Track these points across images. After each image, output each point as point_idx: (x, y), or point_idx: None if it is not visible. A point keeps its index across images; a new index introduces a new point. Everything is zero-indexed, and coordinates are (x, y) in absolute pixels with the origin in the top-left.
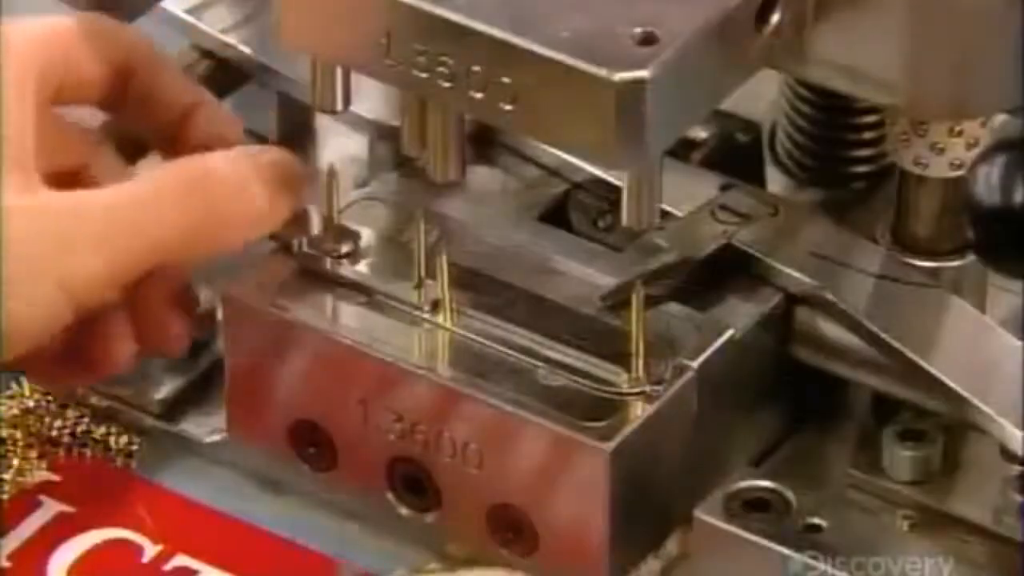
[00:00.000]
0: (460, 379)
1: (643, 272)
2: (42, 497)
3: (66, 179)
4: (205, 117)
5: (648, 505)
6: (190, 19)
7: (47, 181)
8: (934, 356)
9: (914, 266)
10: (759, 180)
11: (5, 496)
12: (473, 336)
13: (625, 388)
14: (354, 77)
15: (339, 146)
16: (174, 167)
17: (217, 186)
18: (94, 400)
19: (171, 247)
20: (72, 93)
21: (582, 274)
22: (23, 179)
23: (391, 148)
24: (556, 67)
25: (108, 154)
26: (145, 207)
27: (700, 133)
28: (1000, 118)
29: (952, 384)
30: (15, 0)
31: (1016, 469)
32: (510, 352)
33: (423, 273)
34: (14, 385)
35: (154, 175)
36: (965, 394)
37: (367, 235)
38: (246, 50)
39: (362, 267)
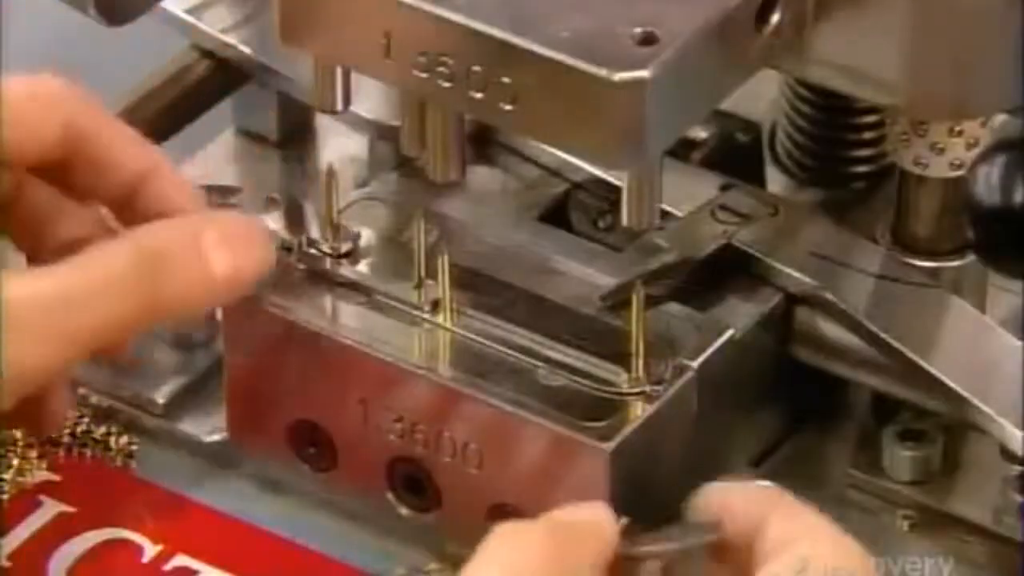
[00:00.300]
0: (460, 379)
1: (643, 272)
2: (42, 497)
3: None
4: (159, 185)
5: (648, 505)
6: (190, 19)
7: (50, 254)
8: (934, 356)
9: (914, 266)
10: (759, 180)
11: (5, 496)
12: (473, 336)
13: (625, 388)
14: (354, 77)
15: (339, 146)
16: (124, 247)
17: (170, 263)
18: (94, 400)
19: (124, 326)
20: (22, 158)
21: (582, 274)
22: None
23: (391, 148)
24: (556, 67)
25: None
26: (96, 294)
27: (700, 133)
28: (1000, 118)
29: (952, 384)
30: (16, 0)
31: (1016, 469)
32: (510, 352)
33: (423, 273)
34: None
35: (104, 257)
36: (965, 394)
37: (367, 235)
38: (246, 50)
39: (362, 267)
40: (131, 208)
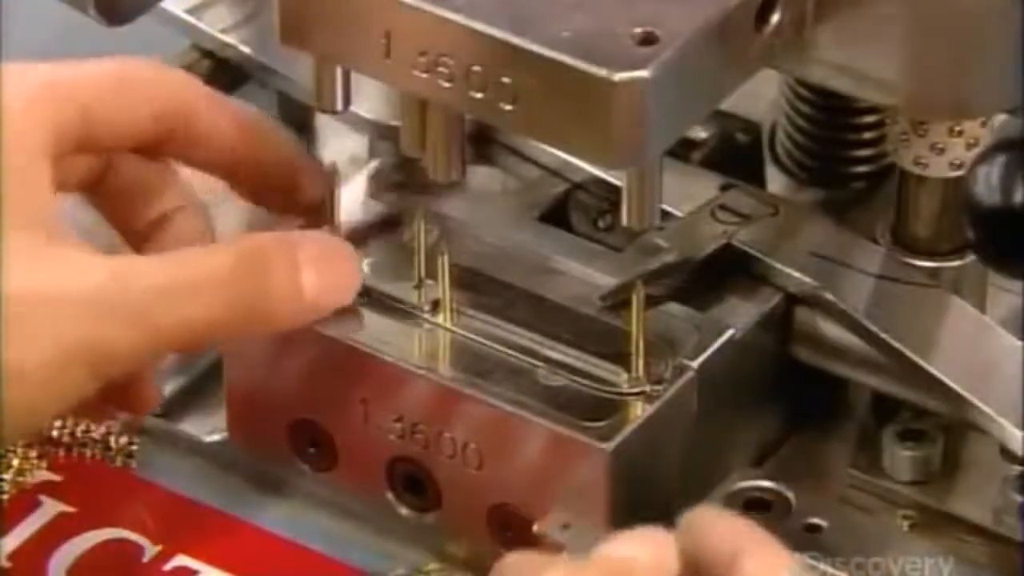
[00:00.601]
0: (460, 379)
1: (643, 272)
2: (42, 497)
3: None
4: (264, 156)
5: (648, 505)
6: (190, 19)
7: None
8: (934, 356)
9: (914, 266)
10: (759, 180)
11: (5, 496)
12: (473, 336)
13: (625, 388)
14: (354, 77)
15: (339, 146)
16: (227, 250)
17: (269, 273)
18: None
19: (214, 328)
20: (102, 142)
21: (582, 274)
22: (43, 242)
23: (391, 148)
24: (556, 67)
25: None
26: (197, 290)
27: (700, 133)
28: (1000, 118)
29: (952, 384)
30: (16, 0)
31: (1016, 469)
32: (510, 352)
33: (423, 273)
34: None
35: (209, 256)
36: (965, 394)
37: (367, 235)
38: (246, 50)
39: (362, 267)
40: (242, 178)
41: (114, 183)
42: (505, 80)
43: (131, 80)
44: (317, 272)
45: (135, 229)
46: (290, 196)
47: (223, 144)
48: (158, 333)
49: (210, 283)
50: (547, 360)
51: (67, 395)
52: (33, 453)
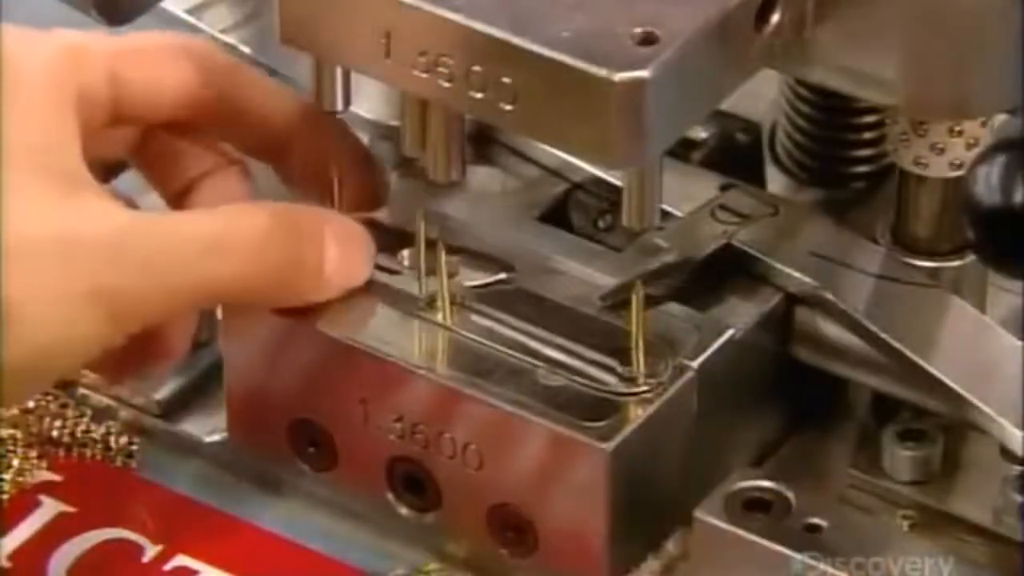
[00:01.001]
0: (460, 379)
1: (643, 272)
2: (42, 497)
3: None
4: (311, 137)
5: (648, 505)
6: (190, 19)
7: (180, 190)
8: (934, 356)
9: (914, 266)
10: (759, 180)
11: (5, 496)
12: (473, 336)
13: (625, 388)
14: (354, 77)
15: None
16: (264, 211)
17: (304, 247)
18: (94, 400)
19: (235, 293)
20: (134, 112)
21: (582, 274)
22: (65, 189)
23: (391, 148)
24: (556, 67)
25: (232, 173)
26: (226, 247)
27: (700, 133)
28: (1000, 118)
29: (952, 384)
30: (15, 0)
31: (1016, 469)
32: (510, 352)
33: (423, 273)
34: None
35: (244, 215)
36: (965, 394)
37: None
38: (246, 50)
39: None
40: (286, 159)
41: (153, 146)
42: (505, 80)
43: (159, 51)
44: (340, 251)
45: (174, 189)
46: (336, 185)
47: (266, 126)
48: (178, 286)
49: (244, 244)
50: (547, 360)
51: (87, 342)
52: (33, 453)
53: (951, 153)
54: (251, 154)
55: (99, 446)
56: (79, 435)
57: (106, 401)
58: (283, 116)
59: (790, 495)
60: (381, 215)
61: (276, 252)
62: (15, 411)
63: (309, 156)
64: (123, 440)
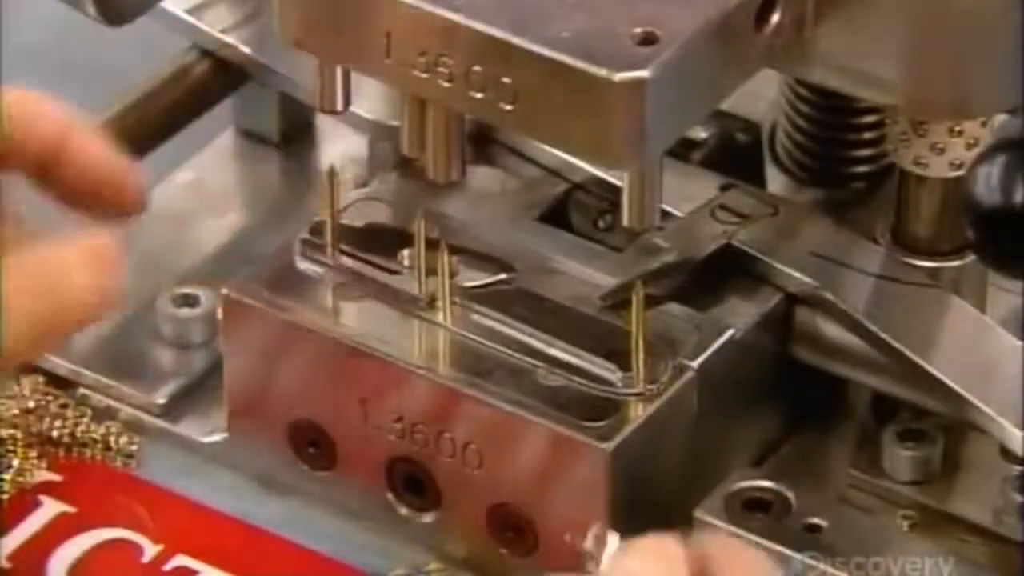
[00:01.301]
0: (460, 379)
1: (643, 272)
2: (42, 497)
3: None
4: (78, 149)
5: (648, 505)
6: (190, 19)
7: None
8: (934, 356)
9: (914, 266)
10: (759, 180)
11: (5, 496)
12: (473, 336)
13: (625, 388)
14: (354, 77)
15: (339, 146)
16: (21, 263)
17: (53, 293)
18: (94, 400)
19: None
20: None
21: (582, 274)
22: None
23: (391, 148)
24: (556, 67)
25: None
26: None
27: (700, 133)
28: (1000, 118)
29: (952, 384)
30: (15, 0)
31: (1016, 469)
32: (510, 352)
33: (424, 273)
34: (14, 385)
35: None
36: (965, 394)
37: (367, 235)
38: (246, 50)
39: (362, 267)
40: (54, 175)
41: None
42: (505, 80)
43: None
44: (90, 270)
45: None
46: (108, 201)
47: (34, 143)
48: None
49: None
50: (547, 360)
51: None
52: (33, 453)
53: (951, 153)
54: (18, 173)
55: (99, 446)
56: (79, 435)
57: (106, 401)
58: (49, 133)
59: (790, 495)
60: (381, 215)
61: (46, 305)
62: (15, 411)
63: (74, 171)
64: (123, 440)
